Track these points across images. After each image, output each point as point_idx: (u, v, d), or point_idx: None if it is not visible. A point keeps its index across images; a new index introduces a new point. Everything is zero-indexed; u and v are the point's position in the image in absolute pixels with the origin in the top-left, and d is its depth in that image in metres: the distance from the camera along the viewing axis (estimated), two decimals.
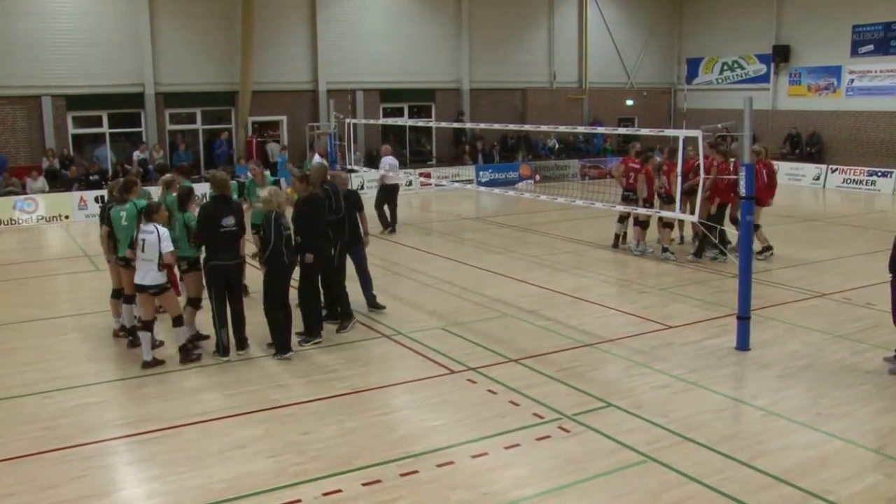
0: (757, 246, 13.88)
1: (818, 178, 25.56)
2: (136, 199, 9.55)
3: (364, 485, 6.23)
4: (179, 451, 6.87)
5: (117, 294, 9.95)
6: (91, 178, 21.01)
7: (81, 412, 7.77)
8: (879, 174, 24.27)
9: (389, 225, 17.55)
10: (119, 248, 9.47)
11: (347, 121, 19.61)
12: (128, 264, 9.33)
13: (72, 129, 22.20)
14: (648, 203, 14.46)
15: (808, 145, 26.56)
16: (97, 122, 22.62)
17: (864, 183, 24.47)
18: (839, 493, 6.03)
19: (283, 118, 24.93)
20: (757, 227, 13.41)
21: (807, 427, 7.29)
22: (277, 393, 8.18)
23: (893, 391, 8.11)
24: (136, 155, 22.22)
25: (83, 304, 11.73)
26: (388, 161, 17.90)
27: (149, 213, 8.85)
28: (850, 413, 7.61)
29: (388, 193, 17.73)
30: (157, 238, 8.69)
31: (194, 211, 9.44)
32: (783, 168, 26.42)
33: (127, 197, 9.53)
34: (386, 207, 17.53)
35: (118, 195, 9.59)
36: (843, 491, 6.07)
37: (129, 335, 9.71)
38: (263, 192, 9.32)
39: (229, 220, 9.03)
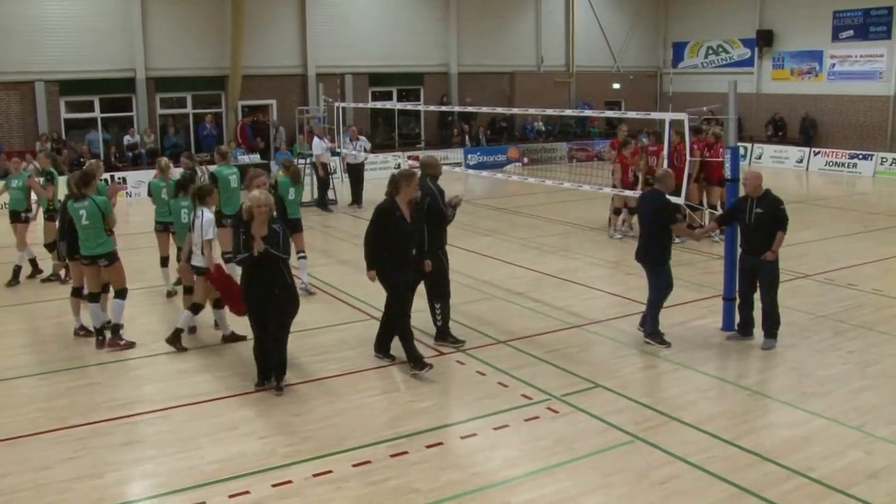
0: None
1: (801, 161, 25.80)
2: (94, 194, 8.99)
3: (354, 466, 6.30)
4: (171, 433, 6.92)
5: (77, 292, 9.49)
6: (83, 162, 20.93)
7: (75, 394, 7.81)
8: (860, 157, 24.58)
9: (357, 201, 19.14)
10: (81, 245, 8.93)
11: (336, 105, 19.61)
12: (92, 262, 8.97)
13: (64, 114, 22.12)
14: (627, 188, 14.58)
15: (801, 131, 26.67)
16: (89, 106, 22.53)
17: (845, 165, 24.76)
18: (821, 471, 6.16)
19: (273, 102, 24.86)
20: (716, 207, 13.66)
21: (790, 406, 7.42)
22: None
23: (874, 370, 8.27)
24: (127, 139, 22.15)
25: None
26: (364, 142, 19.47)
27: (202, 197, 8.93)
28: (832, 392, 7.75)
29: (357, 172, 19.25)
30: (200, 223, 8.82)
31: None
32: (767, 151, 26.66)
33: (85, 192, 8.89)
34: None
35: (75, 189, 8.93)
36: (825, 468, 6.20)
37: (97, 335, 9.09)
38: (254, 193, 7.79)
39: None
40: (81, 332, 9.50)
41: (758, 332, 9.04)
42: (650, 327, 9.03)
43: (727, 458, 6.41)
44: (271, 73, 24.40)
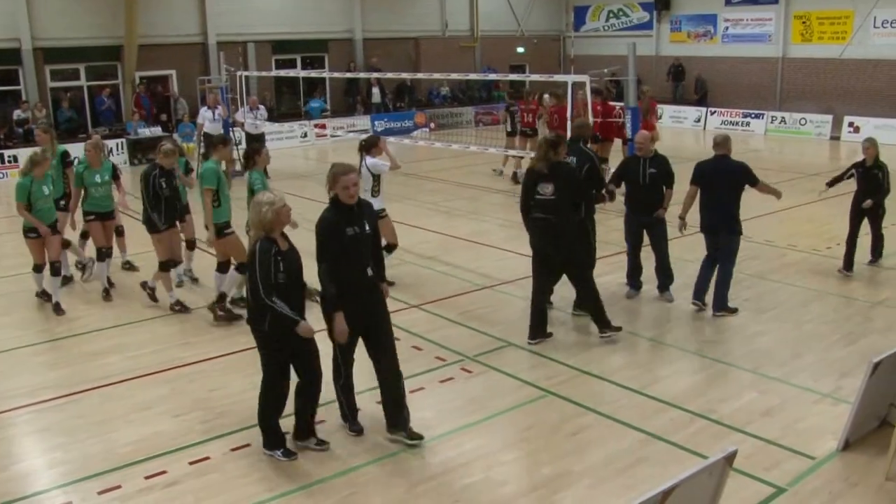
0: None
1: (699, 121, 26.71)
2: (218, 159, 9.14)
3: None
4: (81, 418, 6.75)
5: (167, 266, 9.39)
6: None
7: None
8: (753, 116, 25.62)
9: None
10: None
11: (239, 73, 19.19)
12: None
13: None
14: None
15: (695, 91, 27.59)
16: None
17: (739, 124, 25.77)
18: (721, 412, 6.52)
19: (173, 72, 24.01)
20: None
21: (693, 354, 7.80)
22: (182, 352, 8.11)
23: (766, 316, 8.73)
24: (17, 114, 21.04)
25: None
26: (262, 111, 19.28)
27: (368, 148, 9.50)
28: (730, 338, 8.17)
29: (257, 142, 18.43)
30: (367, 168, 9.29)
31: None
32: (667, 111, 27.45)
33: (211, 155, 9.21)
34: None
35: (205, 151, 9.39)
36: (724, 409, 6.56)
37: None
38: (265, 197, 5.94)
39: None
40: (177, 307, 9.35)
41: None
42: (724, 299, 8.70)
43: (635, 406, 6.69)
44: (170, 42, 23.48)
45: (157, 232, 9.23)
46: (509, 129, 18.03)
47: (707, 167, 8.75)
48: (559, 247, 7.85)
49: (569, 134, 12.75)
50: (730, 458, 4.30)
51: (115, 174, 10.05)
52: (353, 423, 6.39)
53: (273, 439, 6.06)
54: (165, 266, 9.33)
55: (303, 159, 22.29)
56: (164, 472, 5.84)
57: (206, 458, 6.02)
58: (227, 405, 6.89)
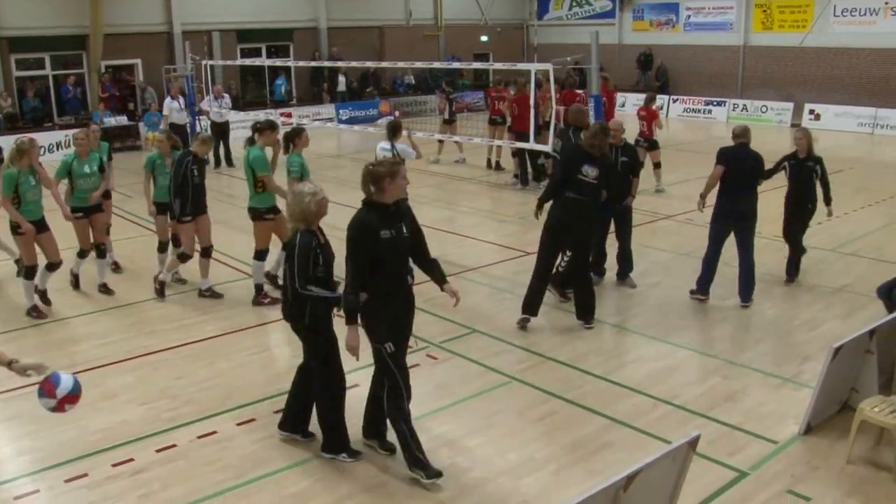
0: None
1: (661, 108, 26.93)
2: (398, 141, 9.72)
3: (238, 424, 6.31)
4: None
5: (164, 247, 9.75)
6: None
7: None
8: (715, 103, 25.96)
9: (226, 159, 18.60)
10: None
11: (204, 62, 19.00)
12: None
13: None
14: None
15: (656, 79, 27.86)
16: None
17: (702, 112, 26.11)
18: (684, 397, 6.63)
19: (138, 62, 23.68)
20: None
21: (657, 340, 7.89)
22: (148, 340, 8.06)
23: (729, 302, 8.85)
24: None
25: None
26: (227, 100, 18.96)
27: (394, 132, 9.80)
28: (694, 325, 8.31)
29: (222, 130, 18.43)
30: (396, 153, 9.34)
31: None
32: (630, 99, 27.67)
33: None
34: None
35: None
36: (688, 394, 6.68)
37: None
38: (306, 187, 5.83)
39: None
40: (157, 286, 9.45)
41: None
42: (752, 288, 8.70)
43: (600, 392, 6.78)
44: (135, 31, 23.17)
45: (177, 220, 9.23)
46: (447, 117, 18.54)
47: (729, 153, 8.67)
48: (581, 229, 8.03)
49: (532, 123, 13.05)
50: (693, 443, 4.37)
51: (101, 166, 9.81)
52: (429, 469, 5.49)
53: (336, 442, 5.79)
54: (166, 252, 9.59)
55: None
56: (131, 460, 5.82)
57: (173, 446, 6.01)
58: (192, 393, 6.87)
